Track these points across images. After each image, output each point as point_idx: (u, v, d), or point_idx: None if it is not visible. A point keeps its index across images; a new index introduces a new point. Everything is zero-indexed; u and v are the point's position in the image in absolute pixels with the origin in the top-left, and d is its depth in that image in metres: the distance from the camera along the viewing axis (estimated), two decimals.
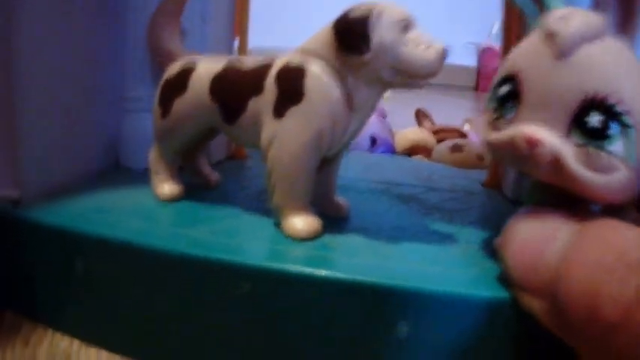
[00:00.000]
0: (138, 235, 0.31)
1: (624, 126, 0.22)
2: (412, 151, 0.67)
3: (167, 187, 0.37)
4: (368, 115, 0.32)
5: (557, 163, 0.24)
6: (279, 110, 0.31)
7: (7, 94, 0.34)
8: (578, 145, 0.23)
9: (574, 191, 0.24)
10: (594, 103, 0.23)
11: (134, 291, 0.31)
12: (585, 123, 0.23)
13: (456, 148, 0.60)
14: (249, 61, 0.33)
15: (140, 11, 0.41)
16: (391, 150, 0.67)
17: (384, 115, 0.70)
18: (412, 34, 0.29)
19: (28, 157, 0.35)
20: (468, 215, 0.39)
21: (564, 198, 0.26)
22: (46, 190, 0.37)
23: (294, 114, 0.30)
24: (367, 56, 0.29)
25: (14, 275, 0.35)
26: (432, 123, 0.78)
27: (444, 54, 0.29)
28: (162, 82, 0.36)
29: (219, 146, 0.48)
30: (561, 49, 0.24)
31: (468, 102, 1.61)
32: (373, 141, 0.64)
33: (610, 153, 0.23)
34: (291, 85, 0.30)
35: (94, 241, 0.31)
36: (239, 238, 0.31)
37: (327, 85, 0.30)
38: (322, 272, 0.27)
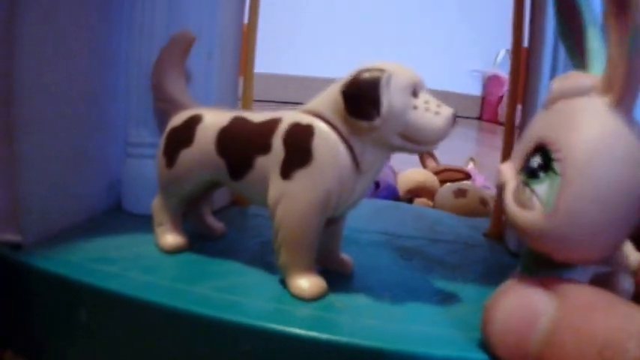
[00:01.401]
0: (140, 289, 0.31)
1: (552, 171, 0.24)
2: (416, 192, 0.67)
3: (170, 238, 0.37)
4: (374, 178, 0.32)
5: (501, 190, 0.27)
6: (287, 171, 0.31)
7: (7, 136, 0.34)
8: (520, 181, 0.26)
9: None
10: (539, 148, 0.25)
11: (136, 344, 0.31)
12: (528, 162, 0.26)
13: (460, 193, 0.60)
14: (257, 117, 0.34)
15: (143, 53, 0.42)
16: (394, 193, 0.68)
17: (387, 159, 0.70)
18: (421, 99, 0.30)
19: (28, 201, 0.36)
20: (470, 271, 0.38)
21: (552, 265, 0.26)
22: (48, 234, 0.37)
23: (301, 175, 0.30)
24: (376, 122, 0.29)
25: (15, 317, 0.35)
26: (436, 162, 0.79)
27: (452, 119, 0.30)
28: (167, 132, 0.37)
29: (222, 193, 0.48)
30: (545, 101, 0.27)
31: (472, 132, 1.61)
32: (376, 185, 0.64)
33: (533, 191, 0.25)
34: (300, 146, 0.30)
35: (96, 293, 0.31)
36: (243, 296, 0.31)
37: (336, 148, 0.30)
38: (325, 336, 0.27)
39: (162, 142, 0.37)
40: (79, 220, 0.41)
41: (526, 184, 0.26)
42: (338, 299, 0.31)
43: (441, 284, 0.35)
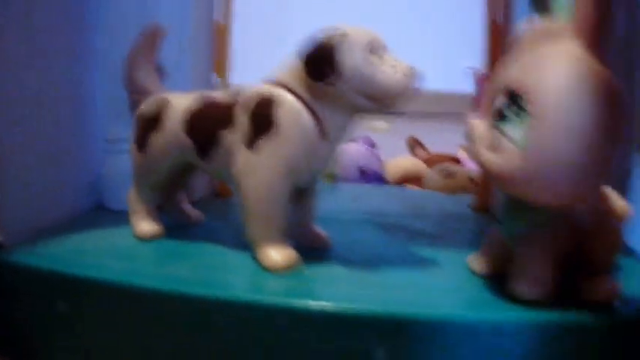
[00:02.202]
0: (118, 275, 0.30)
1: (522, 110, 0.24)
2: (404, 180, 0.67)
3: (146, 226, 0.37)
4: (340, 143, 0.32)
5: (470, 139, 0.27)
6: (251, 141, 0.31)
7: None
8: (491, 126, 0.26)
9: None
10: (508, 94, 0.25)
11: (115, 328, 0.31)
12: (496, 106, 0.26)
13: (449, 175, 0.59)
14: (220, 95, 0.34)
15: (116, 51, 0.42)
16: (380, 180, 0.67)
17: (372, 145, 0.69)
18: (379, 57, 0.29)
19: (8, 201, 0.35)
20: (453, 239, 0.38)
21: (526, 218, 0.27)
22: (29, 233, 0.37)
23: (266, 144, 0.30)
24: (335, 81, 0.29)
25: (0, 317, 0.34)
26: (425, 151, 0.78)
27: (412, 74, 0.29)
28: (136, 118, 0.37)
29: (201, 183, 0.48)
30: (512, 49, 0.27)
31: (464, 127, 1.61)
32: (362, 173, 0.64)
33: (503, 133, 0.25)
34: (262, 115, 0.30)
35: (75, 283, 0.31)
36: (218, 273, 0.31)
37: (298, 115, 0.30)
38: (299, 303, 0.27)
39: (133, 129, 0.37)
40: (60, 218, 0.40)
41: (495, 127, 0.26)
42: (314, 270, 0.31)
43: (423, 252, 0.35)
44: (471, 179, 0.58)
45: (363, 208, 0.46)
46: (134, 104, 0.40)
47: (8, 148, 0.35)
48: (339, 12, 1.66)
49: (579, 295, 0.27)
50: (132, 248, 0.35)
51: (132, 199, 0.37)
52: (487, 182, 0.47)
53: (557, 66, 0.24)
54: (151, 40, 0.39)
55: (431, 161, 0.71)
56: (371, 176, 0.66)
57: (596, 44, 0.24)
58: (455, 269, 0.32)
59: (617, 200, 0.30)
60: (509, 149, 0.24)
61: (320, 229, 0.35)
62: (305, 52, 0.30)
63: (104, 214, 0.43)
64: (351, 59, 0.29)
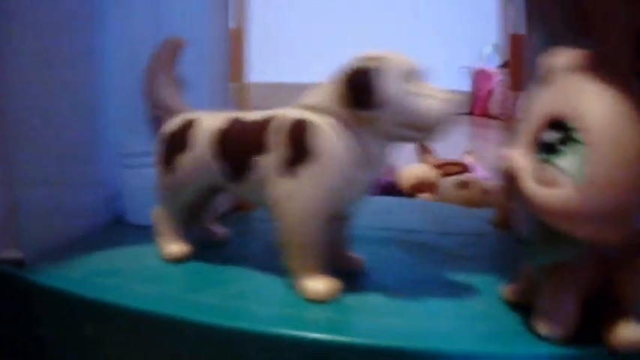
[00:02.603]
0: (146, 301, 0.30)
1: (574, 141, 0.23)
2: (418, 188, 0.66)
3: (174, 248, 0.36)
4: (378, 170, 0.31)
5: (513, 175, 0.26)
6: (288, 169, 0.30)
7: (2, 153, 0.34)
8: (536, 161, 0.25)
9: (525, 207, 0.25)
10: (553, 123, 0.24)
11: (143, 355, 0.30)
12: (542, 139, 0.25)
13: (462, 185, 0.59)
14: (251, 116, 0.33)
15: (133, 62, 0.41)
16: (393, 188, 0.67)
17: None
18: (418, 85, 0.29)
19: (26, 218, 0.35)
20: (480, 262, 0.38)
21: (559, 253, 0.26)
22: (49, 249, 0.36)
23: (303, 171, 0.29)
24: (373, 110, 0.28)
25: (20, 334, 0.34)
26: (434, 156, 0.78)
27: (450, 101, 0.29)
28: (161, 139, 0.36)
29: (224, 198, 0.47)
30: (541, 79, 0.26)
31: (464, 127, 1.61)
32: (375, 181, 0.63)
33: (556, 166, 0.24)
34: (300, 142, 0.29)
35: (101, 307, 0.30)
36: (252, 302, 0.30)
37: (338, 143, 0.29)
38: (340, 338, 0.26)
39: (157, 149, 0.36)
40: (80, 233, 0.40)
41: (546, 160, 0.24)
42: (348, 298, 0.31)
43: (454, 276, 0.34)
44: (485, 191, 0.57)
45: (387, 224, 0.45)
46: (155, 120, 0.39)
47: (21, 163, 0.35)
48: (352, 13, 1.64)
49: (604, 335, 0.26)
50: (159, 270, 0.34)
51: (159, 219, 0.37)
52: (506, 198, 0.47)
53: (605, 93, 0.23)
54: (170, 53, 0.38)
55: (440, 167, 0.71)
56: (384, 185, 0.65)
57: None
58: (486, 296, 0.31)
59: None
60: (565, 183, 0.23)
61: (354, 253, 0.35)
62: (343, 78, 0.29)
63: (124, 229, 0.42)
64: (390, 87, 0.28)
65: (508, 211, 0.47)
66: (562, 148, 0.24)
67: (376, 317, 0.29)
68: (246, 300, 0.30)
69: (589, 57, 0.25)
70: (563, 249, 0.25)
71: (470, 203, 0.56)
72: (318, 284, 0.30)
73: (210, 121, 0.34)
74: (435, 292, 0.32)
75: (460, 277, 0.34)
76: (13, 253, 0.35)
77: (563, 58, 0.26)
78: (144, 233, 0.40)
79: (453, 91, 0.29)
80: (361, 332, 0.27)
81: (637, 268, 0.25)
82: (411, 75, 0.29)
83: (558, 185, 0.23)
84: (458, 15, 1.76)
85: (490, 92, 1.84)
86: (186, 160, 0.34)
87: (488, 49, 1.82)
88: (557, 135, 0.24)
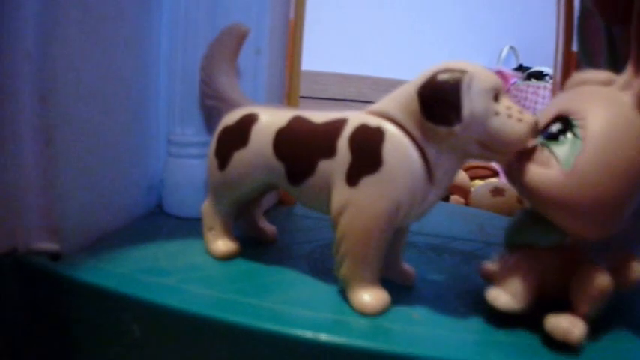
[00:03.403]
0: (202, 304, 0.29)
1: (573, 135, 0.27)
2: (449, 190, 0.65)
3: (222, 244, 0.35)
4: (446, 187, 0.30)
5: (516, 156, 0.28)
6: (354, 178, 0.28)
7: (45, 138, 0.32)
8: (538, 145, 0.28)
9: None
10: (559, 118, 0.28)
11: (193, 358, 0.29)
12: (549, 129, 0.28)
13: (498, 192, 0.58)
14: (318, 117, 0.31)
15: (187, 49, 0.40)
16: None
17: None
18: (502, 104, 0.27)
19: (67, 206, 0.33)
20: None
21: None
22: (88, 241, 0.35)
23: (369, 183, 0.28)
24: (456, 128, 0.26)
25: (55, 334, 0.33)
26: None
27: (535, 127, 0.27)
28: (219, 132, 0.34)
29: (269, 194, 0.46)
30: (565, 86, 0.30)
31: None
32: None
33: (551, 151, 0.27)
34: (369, 151, 0.28)
35: (154, 308, 0.29)
36: (302, 308, 0.29)
37: (407, 154, 0.28)
38: (385, 347, 0.26)
39: (213, 142, 0.35)
40: (120, 224, 0.39)
41: (545, 145, 0.28)
42: (401, 308, 0.30)
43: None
44: (520, 200, 0.57)
45: (429, 230, 0.45)
46: (210, 109, 0.38)
47: (65, 148, 0.33)
48: (350, 11, 1.62)
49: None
50: (211, 271, 0.33)
51: (207, 214, 0.36)
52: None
53: (609, 102, 0.27)
54: (233, 41, 0.37)
55: (467, 170, 0.70)
56: None
57: None
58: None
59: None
60: (555, 165, 0.26)
61: (407, 266, 0.34)
62: (426, 90, 0.27)
63: (167, 220, 0.41)
64: (474, 105, 0.26)
65: None
66: (561, 137, 0.27)
67: (427, 328, 0.28)
68: (296, 305, 0.30)
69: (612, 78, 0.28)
70: (542, 235, 0.28)
71: (504, 211, 0.55)
72: (371, 296, 0.29)
73: (272, 118, 0.32)
74: (478, 305, 0.31)
75: None
76: (49, 245, 0.33)
77: (583, 74, 0.29)
78: (184, 226, 0.40)
79: (534, 116, 0.28)
80: (411, 342, 0.26)
81: (590, 278, 0.27)
82: (495, 93, 0.27)
83: (548, 166, 0.27)
84: (476, 16, 1.74)
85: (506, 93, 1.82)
86: (243, 157, 0.33)
87: (505, 51, 1.80)
88: (560, 126, 0.27)
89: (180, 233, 0.38)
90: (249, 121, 0.33)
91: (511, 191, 0.59)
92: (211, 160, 0.34)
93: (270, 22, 0.41)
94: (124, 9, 0.37)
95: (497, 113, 0.27)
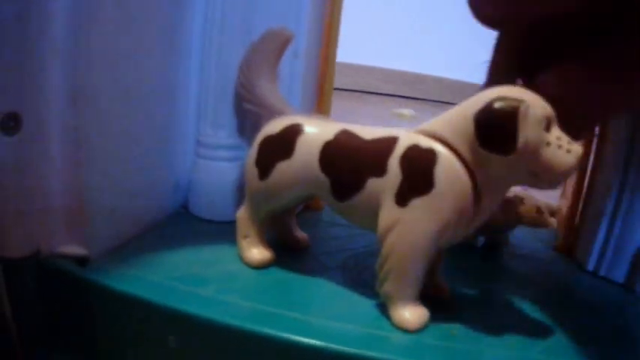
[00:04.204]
0: (243, 317, 0.28)
1: None
2: None
3: (257, 253, 0.35)
4: (492, 211, 0.30)
5: None
6: (404, 197, 0.28)
7: (75, 138, 0.31)
8: None
9: None
10: None
11: None
12: None
13: (519, 201, 0.58)
14: (367, 133, 0.31)
15: (222, 49, 0.38)
16: None
17: None
18: (553, 134, 0.27)
19: (95, 207, 0.32)
20: (549, 289, 0.38)
21: None
22: (115, 245, 0.34)
23: (419, 204, 0.28)
24: (510, 157, 0.26)
25: (78, 341, 0.32)
26: None
27: (579, 155, 0.27)
28: (260, 141, 0.34)
29: None
30: None
31: None
32: None
33: None
34: (420, 172, 0.28)
35: (194, 320, 0.29)
36: (340, 322, 0.29)
37: (458, 177, 0.28)
38: None
39: (254, 150, 0.34)
40: (146, 226, 0.38)
41: None
42: (441, 325, 0.30)
43: (535, 306, 0.34)
44: (539, 209, 0.56)
45: None
46: (245, 113, 0.37)
47: (95, 148, 0.32)
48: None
49: None
50: (243, 279, 0.33)
51: (243, 221, 0.35)
52: (571, 220, 0.46)
53: None
54: (275, 44, 0.36)
55: None
56: None
57: None
58: (572, 335, 0.31)
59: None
60: None
61: (443, 281, 0.34)
62: (481, 117, 0.27)
63: (194, 223, 0.41)
64: (528, 135, 0.26)
65: (571, 235, 0.46)
66: None
67: (466, 344, 0.28)
68: (338, 320, 0.29)
69: None
70: None
71: (522, 221, 0.55)
72: (412, 313, 0.30)
73: (318, 130, 0.32)
74: (513, 319, 0.32)
75: (537, 306, 0.34)
76: (75, 249, 0.32)
77: None
78: (213, 229, 0.39)
79: (579, 144, 0.28)
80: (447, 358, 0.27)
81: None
82: (548, 122, 0.27)
83: None
84: None
85: None
86: (287, 168, 0.32)
87: None
88: None
89: (210, 237, 0.38)
90: (294, 131, 0.32)
91: (529, 200, 0.59)
92: (251, 169, 0.34)
93: (307, 25, 0.40)
94: (158, 7, 0.36)
95: (548, 143, 0.27)
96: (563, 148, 0.27)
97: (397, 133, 0.30)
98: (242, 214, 0.35)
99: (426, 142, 0.29)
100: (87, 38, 0.30)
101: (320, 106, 0.45)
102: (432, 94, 1.52)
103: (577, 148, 0.27)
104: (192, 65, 0.39)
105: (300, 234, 0.38)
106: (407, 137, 0.29)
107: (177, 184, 0.41)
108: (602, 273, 0.42)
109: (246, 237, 0.35)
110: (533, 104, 0.26)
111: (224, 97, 0.38)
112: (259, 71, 0.35)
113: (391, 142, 0.30)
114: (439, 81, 1.56)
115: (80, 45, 0.30)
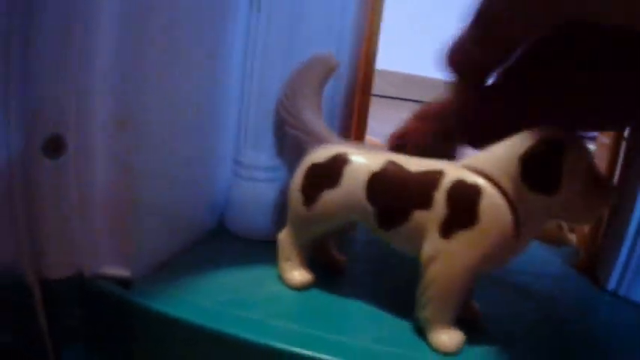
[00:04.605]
0: (296, 341, 0.30)
1: None
2: None
3: (298, 275, 0.36)
4: (527, 247, 0.31)
5: None
6: (448, 230, 0.30)
7: (124, 160, 0.32)
8: None
9: None
10: None
11: None
12: None
13: None
14: (412, 165, 0.32)
15: (265, 72, 0.40)
16: None
17: None
18: (589, 171, 0.28)
19: (139, 230, 0.33)
20: (576, 322, 0.38)
21: None
22: (157, 266, 0.35)
23: (463, 237, 0.29)
24: (554, 198, 0.28)
25: None
26: None
27: (614, 194, 0.29)
28: (307, 168, 0.35)
29: None
30: None
31: None
32: None
33: None
34: (466, 206, 0.29)
35: (245, 346, 0.30)
36: (389, 346, 0.31)
37: (502, 214, 0.29)
38: None
39: (299, 177, 0.35)
40: (185, 245, 0.39)
41: None
42: (476, 348, 0.32)
43: (544, 331, 0.35)
44: (560, 226, 0.58)
45: None
46: (286, 138, 0.38)
47: (139, 171, 0.32)
48: None
49: None
50: (288, 302, 0.34)
51: (285, 244, 0.36)
52: (592, 238, 0.47)
53: None
54: (321, 70, 0.36)
55: None
56: None
57: None
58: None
59: None
60: None
61: (475, 304, 0.35)
62: (528, 156, 0.28)
63: (229, 242, 0.42)
64: (573, 173, 0.27)
65: (592, 253, 0.47)
66: None
67: None
68: (385, 344, 0.31)
69: None
70: None
71: (543, 237, 0.56)
72: (449, 336, 0.31)
73: (365, 160, 0.33)
74: (538, 339, 0.33)
75: (552, 339, 0.35)
76: (119, 270, 0.32)
77: None
78: (252, 249, 0.40)
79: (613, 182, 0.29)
80: None
81: None
82: (590, 160, 0.28)
83: None
84: None
85: None
86: (333, 197, 0.33)
87: None
88: None
89: (250, 258, 0.39)
90: (340, 160, 0.33)
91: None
92: (295, 195, 0.35)
93: (349, 51, 0.41)
94: (203, 33, 0.36)
95: (585, 180, 0.28)
96: (600, 186, 0.28)
97: (442, 166, 0.31)
98: (284, 236, 0.36)
99: (471, 178, 0.30)
100: (136, 63, 0.31)
101: (357, 127, 0.46)
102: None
103: (612, 186, 0.29)
104: (234, 90, 0.40)
105: (339, 256, 0.40)
106: (452, 171, 0.31)
107: (216, 203, 0.42)
108: (622, 293, 0.43)
109: (288, 260, 0.36)
110: (577, 145, 0.28)
111: (265, 121, 0.39)
112: (304, 97, 0.36)
113: (437, 175, 0.31)
114: None
115: (129, 70, 0.31)
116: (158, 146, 0.34)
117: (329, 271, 0.39)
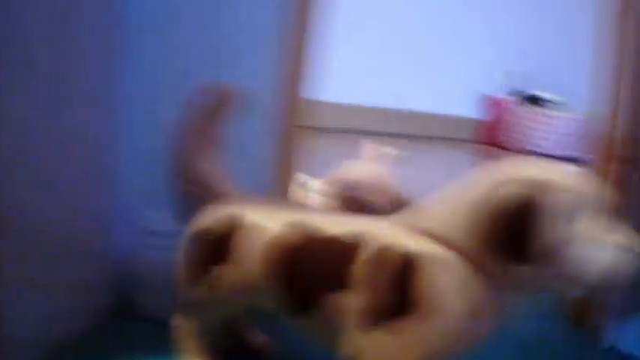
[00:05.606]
0: None
1: None
2: None
3: None
4: (499, 322, 0.23)
5: None
6: (372, 318, 0.21)
7: None
8: None
9: None
10: None
11: None
12: None
13: None
14: (328, 225, 0.24)
15: (155, 112, 0.33)
16: None
17: None
18: (583, 224, 0.21)
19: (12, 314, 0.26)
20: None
21: None
22: (40, 351, 0.28)
23: (404, 328, 0.21)
24: (522, 264, 0.20)
25: None
26: None
27: (628, 252, 0.21)
28: (191, 236, 0.27)
29: None
30: None
31: (469, 157, 1.53)
32: None
33: None
34: (394, 286, 0.21)
35: None
36: None
37: (454, 290, 0.21)
38: None
39: (182, 250, 0.27)
40: (81, 329, 0.32)
41: None
42: None
43: None
44: None
45: None
46: (183, 196, 0.30)
47: (12, 247, 0.26)
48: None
49: None
50: None
51: (179, 332, 0.28)
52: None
53: None
54: (219, 106, 0.29)
55: None
56: None
57: None
58: None
59: None
60: None
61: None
62: (491, 209, 0.20)
63: (131, 327, 0.33)
64: (554, 232, 0.20)
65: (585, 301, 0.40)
66: None
67: None
68: None
69: None
70: None
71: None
72: None
73: (263, 225, 0.25)
74: None
75: None
76: None
77: None
78: (155, 330, 0.32)
79: (632, 235, 0.21)
80: None
81: None
82: (581, 209, 0.21)
83: None
84: (470, 41, 1.70)
85: (500, 121, 1.78)
86: (223, 274, 0.25)
87: (499, 76, 1.77)
88: None
89: (149, 344, 0.31)
90: (232, 226, 0.25)
91: None
92: (184, 271, 0.27)
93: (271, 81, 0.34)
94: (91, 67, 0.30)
95: (578, 238, 0.20)
96: (600, 242, 0.21)
97: (368, 226, 0.23)
98: (178, 322, 0.28)
99: (413, 246, 0.21)
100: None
101: (287, 147, 0.39)
102: (419, 130, 1.48)
103: (622, 239, 0.21)
104: (126, 140, 0.34)
105: (260, 338, 0.31)
106: (377, 235, 0.22)
107: (115, 277, 0.35)
108: (611, 341, 0.38)
109: (185, 350, 0.28)
110: (560, 188, 0.20)
111: (161, 177, 0.31)
112: (197, 143, 0.28)
113: (360, 242, 0.22)
114: (427, 117, 1.52)
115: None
116: (35, 204, 0.28)
117: (247, 354, 0.30)
